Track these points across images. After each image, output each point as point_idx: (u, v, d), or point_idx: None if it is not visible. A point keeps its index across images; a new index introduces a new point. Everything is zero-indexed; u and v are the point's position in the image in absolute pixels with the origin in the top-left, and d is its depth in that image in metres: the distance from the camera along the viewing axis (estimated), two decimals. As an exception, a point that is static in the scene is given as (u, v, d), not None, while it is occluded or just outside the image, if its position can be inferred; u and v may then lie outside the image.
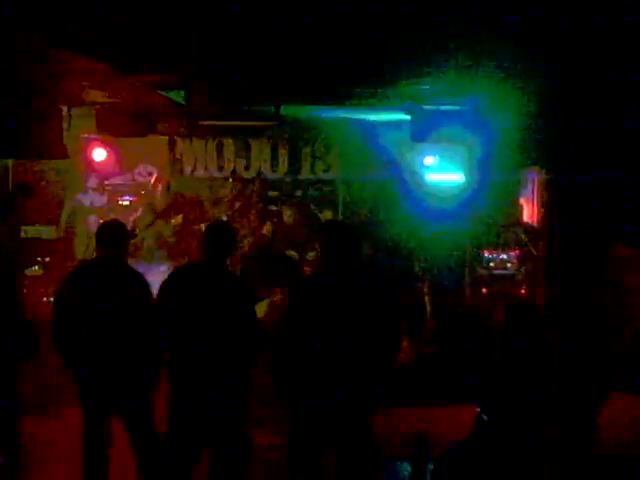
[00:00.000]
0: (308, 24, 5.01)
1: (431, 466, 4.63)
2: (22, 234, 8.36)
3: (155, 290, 4.69)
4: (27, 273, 8.36)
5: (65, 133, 8.01)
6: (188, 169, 9.30)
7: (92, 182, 9.27)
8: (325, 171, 9.39)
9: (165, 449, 4.52)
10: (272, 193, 9.71)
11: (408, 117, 8.25)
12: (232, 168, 9.30)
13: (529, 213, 9.33)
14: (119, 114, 8.34)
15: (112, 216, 8.34)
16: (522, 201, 9.46)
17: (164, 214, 9.24)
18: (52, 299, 5.04)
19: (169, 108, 8.21)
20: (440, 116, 8.13)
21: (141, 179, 9.47)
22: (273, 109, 8.00)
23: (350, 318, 4.32)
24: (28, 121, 7.17)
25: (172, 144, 9.28)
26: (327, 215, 9.52)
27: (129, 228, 5.99)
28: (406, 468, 5.60)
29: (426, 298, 8.26)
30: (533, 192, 9.22)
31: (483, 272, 8.96)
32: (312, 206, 9.67)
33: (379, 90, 7.29)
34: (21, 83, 6.78)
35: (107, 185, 9.37)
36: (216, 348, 4.39)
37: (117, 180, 9.41)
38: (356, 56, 5.91)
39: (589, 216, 7.60)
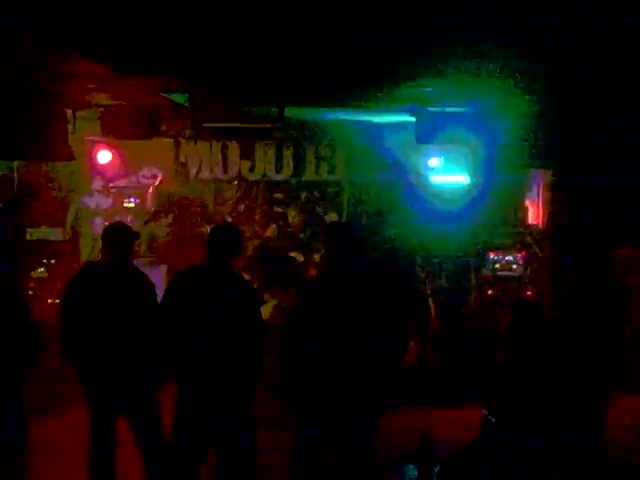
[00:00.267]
0: (312, 26, 5.01)
1: (437, 468, 4.63)
2: (28, 236, 8.36)
3: (159, 292, 4.70)
4: (33, 275, 8.37)
5: (70, 135, 8.03)
6: (193, 171, 9.30)
7: (97, 184, 9.29)
8: (330, 173, 9.38)
9: (170, 449, 4.53)
10: (277, 195, 9.70)
11: (413, 119, 8.24)
12: (237, 170, 9.30)
13: (534, 215, 9.32)
14: (123, 116, 8.33)
15: (117, 218, 8.38)
16: (527, 203, 9.45)
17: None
18: (58, 301, 5.05)
19: (173, 110, 8.22)
20: (445, 118, 8.12)
21: (146, 181, 9.46)
22: (277, 111, 7.99)
23: (356, 320, 4.31)
24: (33, 123, 7.19)
25: (177, 146, 9.29)
26: (332, 217, 9.51)
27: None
28: (412, 470, 5.60)
29: (430, 299, 8.24)
30: (538, 194, 9.21)
31: (488, 274, 8.93)
32: (317, 208, 9.66)
33: (383, 92, 7.28)
34: (25, 85, 6.80)
35: (112, 187, 9.37)
36: (222, 350, 4.39)
37: (122, 182, 9.40)
38: (360, 58, 5.91)
39: (593, 217, 7.61)
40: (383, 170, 9.19)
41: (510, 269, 8.94)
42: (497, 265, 8.93)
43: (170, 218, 9.25)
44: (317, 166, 9.34)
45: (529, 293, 8.71)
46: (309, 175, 9.38)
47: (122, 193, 9.41)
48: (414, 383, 6.73)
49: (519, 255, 9.01)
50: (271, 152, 9.28)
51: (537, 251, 8.96)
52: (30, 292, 8.04)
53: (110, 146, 8.94)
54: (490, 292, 8.83)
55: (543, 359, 5.00)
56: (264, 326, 4.61)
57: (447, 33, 5.11)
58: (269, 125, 8.47)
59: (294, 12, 4.72)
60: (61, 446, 5.72)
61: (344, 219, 9.45)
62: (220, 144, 9.26)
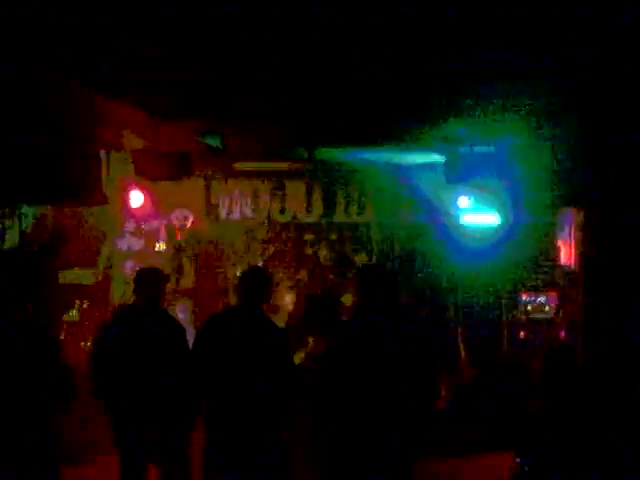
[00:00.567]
0: (342, 69, 5.07)
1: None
2: (60, 279, 8.44)
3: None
4: (64, 318, 8.42)
5: (103, 178, 8.14)
6: (223, 212, 9.38)
7: (129, 226, 9.38)
8: (359, 214, 9.41)
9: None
10: (307, 236, 9.73)
11: (442, 159, 8.25)
12: (267, 211, 9.37)
13: (567, 255, 9.21)
14: (156, 159, 8.44)
15: (148, 261, 8.45)
16: (559, 243, 9.35)
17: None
18: (89, 345, 5.08)
19: (205, 152, 8.32)
20: (474, 158, 8.11)
21: (177, 223, 9.55)
22: (306, 153, 8.06)
23: (388, 364, 4.27)
24: (67, 168, 7.30)
25: (208, 187, 9.38)
26: (362, 258, 9.51)
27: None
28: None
29: (461, 344, 8.15)
30: (570, 234, 9.11)
31: (520, 315, 8.82)
32: (347, 249, 9.67)
33: (412, 133, 7.31)
34: (61, 130, 6.93)
35: (144, 229, 9.46)
36: (253, 395, 4.38)
37: (154, 224, 9.50)
38: (389, 100, 5.96)
39: (626, 257, 7.50)
40: (413, 211, 9.19)
41: (542, 310, 8.83)
42: (529, 307, 8.83)
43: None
44: (347, 207, 9.37)
45: (562, 335, 8.57)
46: (339, 216, 9.42)
47: (154, 235, 9.49)
48: (444, 428, 6.63)
49: (551, 296, 8.90)
50: (301, 193, 9.34)
51: (570, 292, 8.84)
52: (62, 336, 8.09)
53: (142, 188, 9.03)
54: (522, 334, 8.72)
55: (578, 408, 4.90)
56: (296, 371, 4.59)
57: (476, 74, 5.15)
58: (299, 166, 8.53)
59: (325, 56, 4.78)
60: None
61: (374, 260, 9.44)
62: (251, 186, 9.34)
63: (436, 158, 8.38)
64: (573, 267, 8.97)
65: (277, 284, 8.90)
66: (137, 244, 9.34)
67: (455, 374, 7.65)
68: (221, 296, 8.50)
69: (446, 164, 8.31)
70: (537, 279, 9.05)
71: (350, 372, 4.30)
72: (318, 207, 9.37)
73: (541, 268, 9.16)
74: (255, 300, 4.55)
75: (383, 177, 9.17)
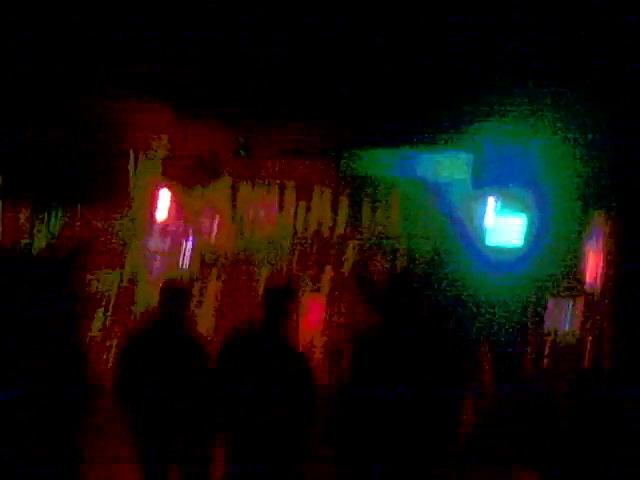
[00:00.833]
0: (368, 75, 5.05)
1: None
2: (86, 285, 8.51)
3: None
4: (89, 326, 8.48)
5: (131, 180, 8.21)
6: (249, 219, 9.40)
7: (156, 228, 9.44)
8: (385, 225, 9.38)
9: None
10: (332, 247, 9.71)
11: (467, 174, 8.19)
12: (292, 221, 9.38)
13: (595, 263, 9.11)
14: (184, 162, 8.49)
15: (173, 264, 8.49)
16: (587, 250, 9.25)
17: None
18: (113, 356, 5.13)
19: (232, 156, 8.35)
20: (502, 161, 8.04)
21: (204, 227, 9.59)
22: (334, 161, 8.06)
23: (413, 376, 4.26)
24: (97, 169, 7.38)
25: (234, 193, 9.41)
26: (386, 268, 9.47)
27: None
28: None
29: (485, 359, 8.08)
30: (598, 242, 9.01)
31: (547, 326, 8.73)
32: (373, 258, 9.64)
33: (441, 134, 7.28)
34: (91, 132, 7.00)
35: (171, 230, 9.51)
36: (273, 413, 4.40)
37: (180, 226, 9.55)
38: (417, 103, 5.93)
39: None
40: (439, 223, 9.13)
41: (569, 321, 8.73)
42: (556, 316, 8.73)
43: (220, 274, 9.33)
44: (373, 218, 9.35)
45: (589, 349, 8.47)
46: (365, 227, 9.39)
47: (180, 238, 9.54)
48: (468, 448, 6.60)
49: (579, 305, 8.80)
50: (327, 204, 9.33)
51: (596, 303, 8.73)
52: (87, 341, 8.16)
53: (169, 190, 9.09)
54: (548, 346, 8.63)
55: (608, 426, 4.86)
56: (315, 393, 4.59)
57: (506, 80, 5.10)
58: (326, 175, 8.52)
59: (353, 63, 4.78)
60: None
61: (399, 272, 9.40)
62: (277, 190, 9.36)
63: (463, 173, 8.33)
64: (601, 276, 8.88)
65: (301, 293, 8.93)
66: (163, 246, 9.40)
67: (480, 391, 7.59)
68: (246, 307, 8.52)
69: (473, 169, 8.25)
70: (564, 288, 8.95)
71: (371, 384, 4.29)
72: (344, 218, 9.35)
73: (569, 276, 9.05)
74: (276, 317, 4.56)
75: (409, 189, 9.12)
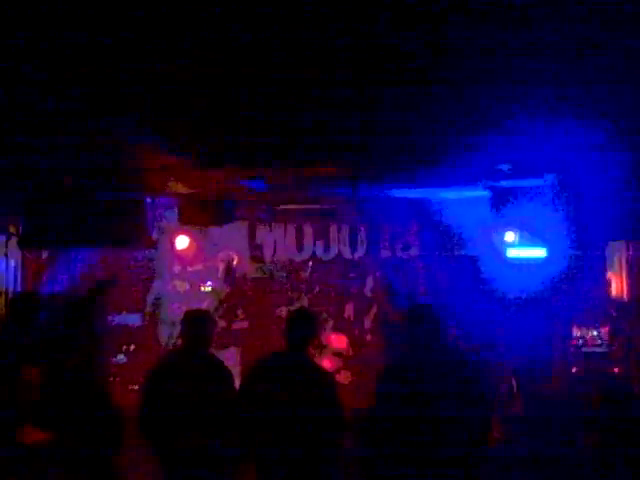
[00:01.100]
0: (384, 105, 5.07)
1: None
2: (108, 323, 8.54)
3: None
4: (112, 361, 8.50)
5: (150, 222, 8.27)
6: (268, 254, 9.43)
7: (175, 269, 9.49)
8: (404, 250, 9.38)
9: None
10: (352, 275, 9.70)
11: (487, 194, 8.17)
12: (311, 251, 9.40)
13: (618, 288, 9.02)
14: (200, 204, 8.56)
15: (194, 303, 8.51)
16: (610, 276, 9.17)
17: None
18: (137, 388, 5.11)
19: (249, 195, 8.40)
20: (521, 191, 8.01)
21: (222, 265, 9.63)
22: (350, 191, 8.07)
23: (439, 405, 4.21)
24: (116, 212, 7.45)
25: (252, 230, 9.46)
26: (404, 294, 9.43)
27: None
28: None
29: (513, 380, 7.98)
30: (621, 266, 8.95)
31: (572, 350, 8.63)
32: (392, 286, 9.60)
33: (458, 168, 7.27)
34: (109, 177, 7.08)
35: (190, 272, 9.56)
36: (301, 439, 4.35)
37: (199, 266, 9.59)
38: (434, 135, 5.94)
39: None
40: (457, 246, 9.11)
41: (595, 344, 8.63)
42: (581, 341, 8.63)
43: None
44: (392, 244, 9.36)
45: (616, 370, 8.35)
46: (383, 253, 9.39)
47: (200, 277, 9.58)
48: (494, 469, 6.48)
49: (603, 330, 8.70)
50: (345, 232, 9.36)
51: (622, 325, 8.63)
52: (110, 379, 8.16)
53: (187, 232, 9.16)
54: (575, 369, 8.51)
55: (634, 443, 4.76)
56: (343, 416, 4.54)
57: (522, 110, 5.10)
58: (343, 204, 8.54)
59: (367, 96, 4.80)
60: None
61: (420, 298, 9.36)
62: (295, 226, 9.40)
63: (481, 192, 8.31)
64: (624, 300, 8.79)
65: (323, 323, 8.91)
66: (183, 287, 9.44)
67: (506, 411, 7.47)
68: (269, 337, 8.50)
69: (491, 199, 8.23)
70: (589, 313, 8.85)
71: (397, 412, 4.24)
72: (362, 245, 9.36)
73: (592, 302, 8.97)
74: (301, 344, 4.54)
75: (427, 212, 9.11)
